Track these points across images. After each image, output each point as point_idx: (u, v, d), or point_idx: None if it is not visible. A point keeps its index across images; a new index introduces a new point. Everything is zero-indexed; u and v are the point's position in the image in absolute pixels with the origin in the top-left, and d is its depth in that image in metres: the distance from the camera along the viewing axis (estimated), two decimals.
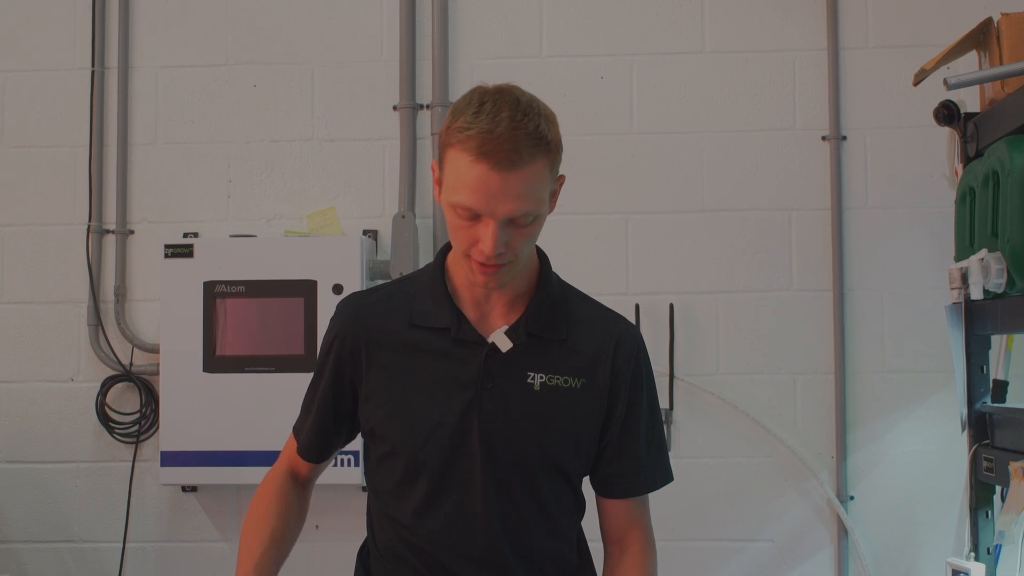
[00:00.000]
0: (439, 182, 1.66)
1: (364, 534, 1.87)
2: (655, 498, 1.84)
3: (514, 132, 1.55)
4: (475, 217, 1.59)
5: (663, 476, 1.84)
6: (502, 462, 1.69)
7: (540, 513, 1.73)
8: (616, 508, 1.82)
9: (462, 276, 1.74)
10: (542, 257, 1.79)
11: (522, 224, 1.60)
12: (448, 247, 1.79)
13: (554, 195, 1.67)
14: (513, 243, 1.61)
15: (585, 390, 1.74)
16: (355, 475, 2.96)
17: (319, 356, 1.83)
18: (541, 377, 1.72)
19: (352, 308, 1.81)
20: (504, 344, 1.71)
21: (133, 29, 3.29)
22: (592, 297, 1.84)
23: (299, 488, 1.88)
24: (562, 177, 1.68)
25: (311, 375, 2.93)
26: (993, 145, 2.43)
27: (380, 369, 1.74)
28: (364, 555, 1.86)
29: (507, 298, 1.74)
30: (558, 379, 1.72)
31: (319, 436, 1.84)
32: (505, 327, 1.73)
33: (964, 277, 2.46)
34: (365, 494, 2.81)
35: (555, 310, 1.77)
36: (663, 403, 3.02)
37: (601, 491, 1.83)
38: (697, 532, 3.09)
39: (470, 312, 1.74)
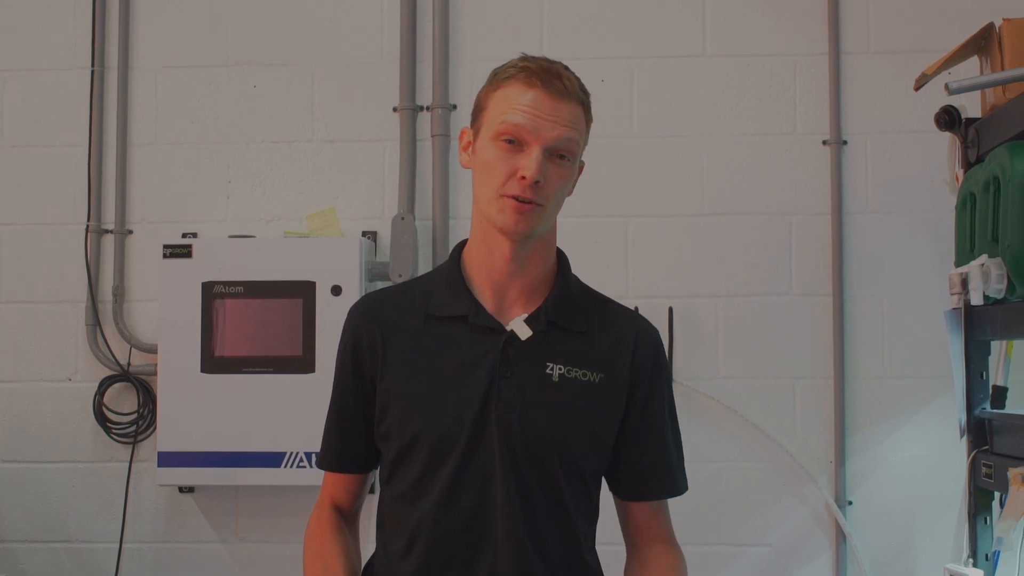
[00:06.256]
0: (472, 140, 1.72)
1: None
2: None
3: (565, 71, 1.69)
4: (518, 146, 1.64)
5: (684, 481, 1.85)
6: (520, 455, 1.67)
7: (557, 511, 1.71)
8: (638, 513, 1.82)
9: (478, 266, 1.73)
10: (561, 255, 1.80)
11: (560, 159, 1.66)
12: (462, 244, 1.80)
13: (578, 173, 1.75)
14: (549, 182, 1.65)
15: (604, 385, 1.73)
16: None
17: (336, 364, 1.81)
18: (560, 369, 1.71)
19: (365, 307, 1.80)
20: (523, 332, 1.70)
21: (133, 29, 3.29)
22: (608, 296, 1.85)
23: (346, 520, 1.85)
24: (582, 163, 1.76)
25: (309, 376, 2.91)
26: (994, 151, 2.42)
27: (397, 365, 1.72)
28: (369, 571, 1.82)
29: (525, 287, 1.73)
30: (577, 372, 1.72)
31: (343, 443, 1.81)
32: (524, 315, 1.72)
33: (964, 282, 2.45)
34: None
35: (575, 302, 1.77)
36: None
37: (625, 493, 1.82)
38: (695, 536, 3.07)
39: (488, 302, 1.73)
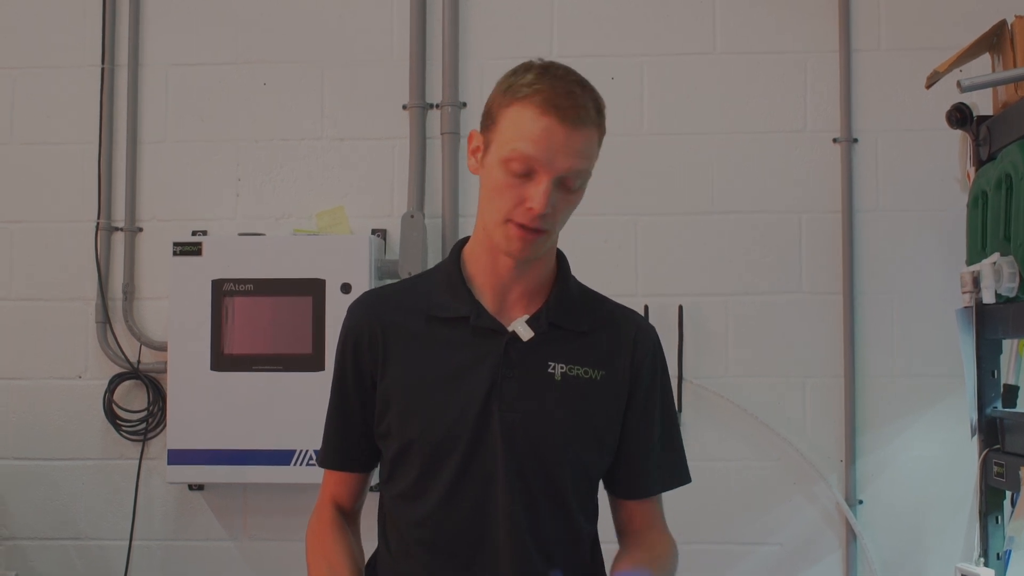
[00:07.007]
0: (482, 148, 1.67)
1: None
2: (664, 499, 1.83)
3: (583, 92, 1.62)
4: (527, 175, 1.60)
5: (679, 476, 1.83)
6: (523, 454, 1.67)
7: (560, 510, 1.71)
8: (631, 509, 1.81)
9: (480, 267, 1.73)
10: (560, 256, 1.79)
11: (570, 188, 1.63)
12: (462, 242, 1.79)
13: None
14: (557, 209, 1.62)
15: (605, 382, 1.73)
16: None
17: (336, 361, 1.80)
18: (562, 367, 1.71)
19: (366, 304, 1.80)
20: (525, 333, 1.70)
21: (143, 26, 3.29)
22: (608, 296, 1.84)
23: (347, 519, 1.84)
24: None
25: (319, 374, 2.91)
26: (1006, 148, 2.41)
27: (398, 364, 1.72)
28: (372, 568, 1.82)
29: (527, 289, 1.73)
30: (578, 370, 1.71)
31: (343, 440, 1.80)
32: (526, 316, 1.71)
33: (975, 281, 2.45)
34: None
35: (575, 302, 1.76)
36: None
37: (615, 491, 1.82)
38: (704, 535, 3.07)
39: (489, 303, 1.72)
